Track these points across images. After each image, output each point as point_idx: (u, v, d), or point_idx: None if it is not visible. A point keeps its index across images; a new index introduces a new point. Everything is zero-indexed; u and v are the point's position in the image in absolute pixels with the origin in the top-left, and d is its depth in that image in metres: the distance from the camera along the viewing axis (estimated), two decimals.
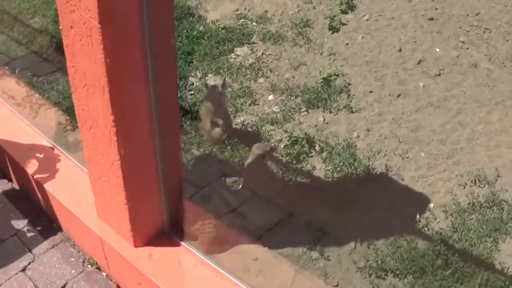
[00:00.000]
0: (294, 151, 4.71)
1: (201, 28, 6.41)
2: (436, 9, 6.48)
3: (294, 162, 4.69)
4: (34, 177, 4.08)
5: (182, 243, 3.49)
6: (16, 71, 5.71)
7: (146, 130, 3.00)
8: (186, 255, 3.45)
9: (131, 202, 3.20)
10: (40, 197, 4.16)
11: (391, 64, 5.71)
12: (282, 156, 4.75)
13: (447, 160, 4.68)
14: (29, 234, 4.14)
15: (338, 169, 4.58)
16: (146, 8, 2.56)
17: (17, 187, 4.51)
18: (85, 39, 2.64)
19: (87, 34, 2.60)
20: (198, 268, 3.38)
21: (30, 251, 4.01)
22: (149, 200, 3.33)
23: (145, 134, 3.02)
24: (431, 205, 4.32)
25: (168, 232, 3.56)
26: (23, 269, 3.88)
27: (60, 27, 2.78)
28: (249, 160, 4.60)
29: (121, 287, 3.77)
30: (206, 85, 4.77)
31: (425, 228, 4.15)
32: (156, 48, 2.73)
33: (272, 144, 4.87)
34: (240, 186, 4.54)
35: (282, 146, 4.81)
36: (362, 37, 6.12)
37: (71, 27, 2.69)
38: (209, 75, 5.72)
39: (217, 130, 4.80)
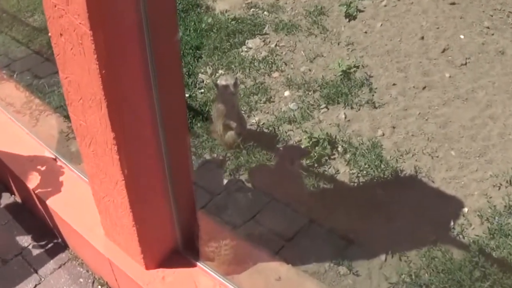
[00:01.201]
0: (315, 154, 4.40)
1: (209, 20, 6.10)
2: None
3: (316, 165, 4.37)
4: (36, 192, 3.88)
5: (197, 263, 3.25)
6: (15, 75, 5.47)
7: (151, 147, 2.73)
8: (203, 276, 3.20)
9: (139, 224, 2.97)
10: (43, 212, 3.91)
11: (413, 53, 5.37)
12: (302, 159, 4.43)
13: (479, 158, 4.36)
14: (34, 253, 3.94)
15: (364, 172, 4.27)
16: (144, 11, 2.24)
17: (19, 201, 4.30)
18: (76, 47, 2.35)
19: (78, 42, 2.30)
20: None
21: (36, 272, 3.81)
22: (159, 220, 3.08)
23: (151, 151, 2.75)
24: (465, 209, 4.01)
25: (182, 251, 3.33)
26: None
27: (49, 33, 2.48)
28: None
29: None
30: (216, 85, 4.45)
31: (460, 236, 3.85)
32: (158, 55, 2.43)
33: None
34: None
35: (302, 148, 4.49)
36: (381, 25, 5.79)
37: (61, 34, 2.41)
38: (220, 71, 5.42)
39: (231, 134, 4.50)
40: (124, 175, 2.69)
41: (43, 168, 3.99)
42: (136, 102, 2.52)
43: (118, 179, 2.74)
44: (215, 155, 4.58)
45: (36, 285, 3.71)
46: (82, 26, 2.21)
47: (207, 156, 4.57)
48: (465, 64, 5.20)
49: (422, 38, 5.53)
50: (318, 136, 4.47)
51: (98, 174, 2.92)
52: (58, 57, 2.54)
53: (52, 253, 3.92)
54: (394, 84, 5.05)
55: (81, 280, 3.73)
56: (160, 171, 2.84)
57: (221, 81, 4.41)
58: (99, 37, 2.21)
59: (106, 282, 3.68)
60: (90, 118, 2.60)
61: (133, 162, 2.69)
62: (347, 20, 5.94)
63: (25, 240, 4.00)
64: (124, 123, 2.53)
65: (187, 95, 5.17)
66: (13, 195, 4.36)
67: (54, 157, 4.07)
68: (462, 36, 5.51)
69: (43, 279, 3.75)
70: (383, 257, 3.73)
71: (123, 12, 2.23)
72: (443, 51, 5.34)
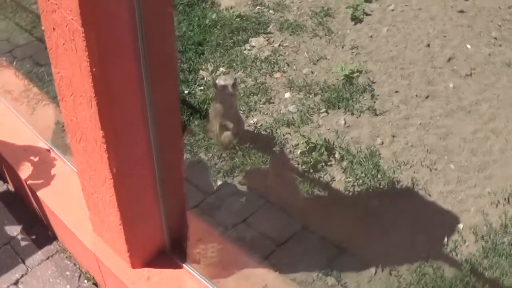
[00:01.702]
0: (312, 159, 4.34)
1: (213, 16, 6.05)
2: (466, 0, 6.07)
3: (311, 171, 4.32)
4: (28, 182, 3.84)
5: (184, 265, 3.21)
6: (15, 62, 5.41)
7: (141, 147, 2.68)
8: (188, 279, 3.15)
9: (126, 223, 2.93)
10: (34, 203, 3.88)
11: (418, 61, 5.30)
12: (298, 164, 4.37)
13: (479, 173, 4.29)
14: (23, 243, 3.92)
15: (360, 181, 4.21)
16: (138, 10, 2.19)
17: (12, 190, 4.27)
18: (68, 43, 2.30)
19: (70, 38, 2.26)
20: None
21: (23, 262, 3.79)
22: (147, 220, 3.05)
23: (141, 151, 2.70)
24: (460, 225, 3.94)
25: (169, 252, 3.28)
26: (15, 283, 3.67)
27: (43, 27, 2.44)
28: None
29: None
30: (215, 84, 4.39)
31: (453, 253, 3.79)
32: (152, 56, 2.38)
33: (288, 150, 4.50)
34: None
35: (299, 153, 4.43)
36: (387, 30, 5.72)
37: (54, 29, 2.37)
38: (221, 69, 5.36)
39: (227, 134, 4.45)
40: (113, 173, 2.65)
41: (36, 159, 3.96)
42: (127, 101, 2.47)
43: (107, 177, 2.70)
44: (211, 154, 4.52)
45: (22, 275, 3.69)
46: (74, 22, 2.16)
47: (202, 155, 4.52)
48: (470, 74, 5.14)
49: (428, 45, 5.47)
50: (316, 141, 4.41)
51: (87, 170, 2.88)
52: (51, 51, 2.50)
53: (40, 244, 3.89)
54: (396, 92, 4.98)
55: (68, 273, 3.71)
56: (150, 171, 2.80)
57: (220, 81, 4.35)
58: (90, 34, 2.16)
59: (93, 277, 3.65)
60: (81, 114, 2.56)
61: (122, 161, 2.65)
62: (353, 23, 5.88)
63: (14, 230, 3.98)
64: (114, 122, 2.49)
65: (186, 91, 5.12)
66: (6, 183, 4.33)
67: (48, 148, 4.03)
68: (468, 46, 5.45)
69: (30, 269, 3.73)
70: (373, 270, 3.67)
71: (116, 10, 2.18)
72: (449, 60, 5.28)
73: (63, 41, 2.33)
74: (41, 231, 3.97)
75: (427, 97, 4.92)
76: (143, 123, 2.58)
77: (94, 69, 2.25)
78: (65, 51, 2.37)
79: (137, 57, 2.34)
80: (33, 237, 3.94)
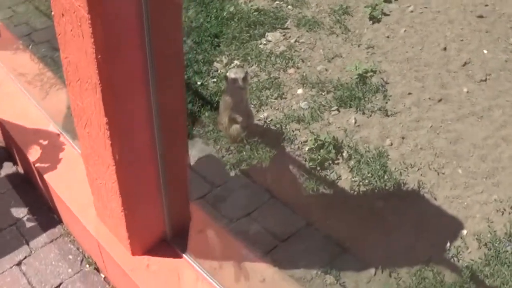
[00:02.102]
0: (319, 157, 4.33)
1: (231, 9, 6.03)
2: (486, 5, 6.00)
3: (318, 168, 4.31)
4: (36, 165, 3.87)
5: (184, 255, 3.22)
6: (30, 46, 5.44)
7: (145, 135, 2.70)
8: (187, 269, 3.17)
9: (127, 210, 2.95)
10: (41, 186, 3.91)
11: (433, 64, 5.27)
12: (305, 160, 4.36)
13: (486, 180, 4.24)
14: (28, 225, 3.95)
15: (366, 181, 4.19)
16: (145, 3, 2.20)
17: (21, 171, 4.31)
18: (75, 29, 2.32)
19: (78, 24, 2.28)
20: (198, 286, 3.12)
21: (27, 243, 3.82)
22: (148, 208, 3.06)
23: (144, 139, 2.72)
24: (464, 231, 3.91)
25: (170, 241, 3.29)
26: (18, 263, 3.70)
27: (52, 13, 2.45)
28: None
29: None
30: (226, 77, 4.40)
31: (455, 259, 3.75)
32: (158, 44, 2.39)
33: (297, 146, 4.49)
34: None
35: (307, 149, 4.42)
36: (405, 31, 5.69)
37: (62, 14, 2.39)
38: (235, 62, 5.36)
39: (236, 127, 4.44)
40: (115, 160, 2.67)
41: (45, 142, 3.99)
42: (131, 89, 2.48)
43: (110, 163, 2.71)
44: (219, 146, 4.52)
45: (26, 257, 3.72)
46: (81, 9, 2.18)
47: (211, 147, 4.51)
48: (485, 80, 5.09)
49: (445, 49, 5.43)
50: (324, 139, 4.40)
51: (92, 155, 2.91)
52: (60, 37, 2.52)
53: (45, 227, 3.92)
54: (409, 93, 4.95)
55: (70, 257, 3.73)
56: (152, 159, 2.81)
57: (231, 74, 4.35)
58: (96, 21, 2.17)
59: (95, 262, 3.67)
60: (86, 100, 2.58)
61: (125, 148, 2.66)
62: (371, 22, 5.85)
63: (21, 211, 4.01)
64: (118, 109, 2.50)
65: (199, 82, 5.12)
66: (15, 165, 4.36)
67: (58, 132, 4.06)
68: (485, 51, 5.40)
69: (33, 251, 3.75)
70: (372, 271, 3.66)
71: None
72: (464, 64, 5.24)
73: (71, 27, 2.34)
74: (46, 214, 3.99)
75: (439, 100, 4.89)
76: (147, 111, 2.59)
77: (99, 56, 2.27)
78: (72, 37, 2.38)
79: (142, 45, 2.35)
80: (39, 219, 3.96)
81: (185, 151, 3.00)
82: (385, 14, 5.92)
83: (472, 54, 5.36)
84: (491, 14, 5.88)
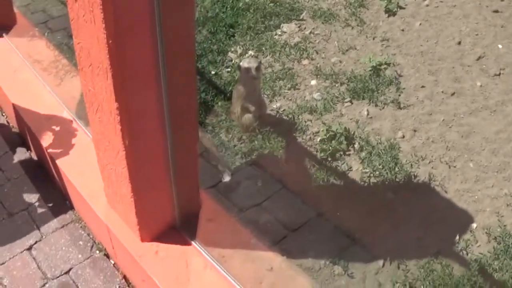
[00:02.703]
0: (331, 148, 4.33)
1: None
2: (502, 0, 5.95)
3: (329, 159, 4.30)
4: (48, 151, 3.89)
5: (193, 242, 3.24)
6: (46, 33, 5.47)
7: (155, 121, 2.71)
8: (195, 256, 3.18)
9: (137, 195, 2.97)
10: (54, 171, 3.93)
11: (448, 58, 5.24)
12: (317, 151, 4.36)
13: (497, 174, 4.22)
14: (39, 210, 3.97)
15: (377, 173, 4.18)
16: None
17: (34, 157, 4.33)
18: (87, 14, 2.34)
19: (90, 9, 2.29)
20: (206, 273, 3.12)
21: (38, 228, 3.85)
22: (157, 194, 3.07)
23: (154, 125, 2.73)
24: (474, 225, 3.89)
25: (179, 228, 3.30)
26: (29, 248, 3.73)
27: None
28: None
29: (127, 278, 3.54)
30: (239, 66, 4.40)
31: (464, 252, 3.74)
32: (169, 31, 2.40)
33: (308, 137, 4.49)
34: None
35: (318, 140, 4.42)
36: (420, 24, 5.67)
37: (75, 0, 2.37)
38: (250, 52, 5.36)
39: (248, 117, 4.45)
40: (125, 145, 2.69)
41: (58, 128, 4.03)
42: (142, 74, 2.50)
43: (120, 148, 2.73)
44: (231, 135, 4.53)
45: (36, 242, 3.75)
46: None
47: (223, 136, 4.52)
48: (499, 74, 5.06)
49: (459, 43, 5.40)
50: (336, 130, 4.39)
51: (102, 141, 2.92)
52: (72, 22, 2.54)
53: (56, 213, 3.94)
54: (422, 87, 4.94)
55: (81, 243, 3.75)
56: (162, 146, 2.83)
57: (244, 63, 4.35)
58: (108, 7, 2.18)
59: (105, 248, 3.69)
60: (98, 85, 2.60)
61: (135, 134, 2.68)
62: (387, 15, 5.83)
63: (33, 197, 4.03)
64: (128, 94, 2.52)
65: (213, 72, 5.13)
66: (29, 151, 4.39)
67: (71, 119, 4.09)
68: (500, 46, 5.37)
69: (44, 236, 3.78)
70: (381, 262, 3.65)
71: None
72: (478, 58, 5.21)
73: (83, 12, 2.36)
74: (58, 199, 4.02)
75: (453, 94, 4.87)
76: (157, 98, 2.61)
77: (110, 41, 2.28)
78: (84, 23, 2.40)
79: (153, 31, 2.37)
80: (50, 205, 3.99)
81: (196, 138, 3.00)
82: (401, 8, 5.90)
83: (487, 49, 5.33)
84: (507, 9, 5.84)
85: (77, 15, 2.45)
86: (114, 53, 2.33)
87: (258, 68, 4.33)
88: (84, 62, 2.63)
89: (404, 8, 5.89)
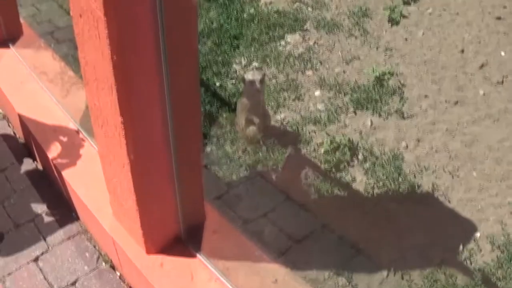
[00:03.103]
0: (334, 159, 4.35)
1: (252, 10, 6.06)
2: (504, 7, 5.97)
3: (333, 170, 4.32)
4: (54, 162, 3.91)
5: (197, 254, 3.24)
6: (52, 45, 5.50)
7: (159, 135, 2.73)
8: (201, 269, 3.19)
9: (142, 208, 2.98)
10: (60, 182, 3.96)
11: (451, 66, 5.26)
12: (321, 162, 4.37)
13: (501, 182, 4.24)
14: (46, 221, 3.98)
15: (380, 183, 4.20)
16: (160, 5, 2.24)
17: (41, 168, 4.35)
18: (92, 30, 2.36)
19: (94, 25, 2.31)
20: (211, 285, 3.12)
21: (44, 239, 3.86)
22: (162, 207, 3.09)
23: (158, 139, 2.75)
24: (477, 234, 3.91)
25: (184, 240, 3.31)
26: (35, 259, 3.73)
27: (71, 13, 2.50)
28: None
29: None
30: (243, 79, 4.43)
31: (467, 261, 3.76)
32: (173, 46, 2.42)
33: (312, 148, 4.51)
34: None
35: (322, 151, 4.44)
36: (423, 33, 5.69)
37: (80, 15, 2.42)
38: (254, 63, 5.38)
39: (252, 129, 4.47)
40: (130, 159, 2.70)
41: (65, 139, 4.04)
42: (146, 90, 2.52)
43: (125, 162, 2.75)
44: (235, 147, 4.55)
45: (42, 253, 3.75)
46: (97, 11, 2.22)
47: (228, 148, 4.55)
48: (502, 82, 5.08)
49: (462, 51, 5.42)
50: (340, 141, 4.41)
51: (108, 155, 2.94)
52: (78, 37, 2.56)
53: (63, 224, 3.95)
54: (426, 96, 4.96)
55: (87, 254, 3.76)
56: (167, 159, 2.84)
57: (248, 76, 4.38)
58: (112, 23, 2.21)
59: (111, 259, 3.70)
60: (103, 100, 2.62)
61: (139, 148, 2.70)
62: (390, 24, 5.85)
63: (39, 207, 4.04)
64: (133, 109, 2.54)
65: (217, 84, 5.15)
66: (35, 162, 4.40)
67: (77, 130, 4.11)
68: (503, 53, 5.38)
69: (50, 248, 3.79)
70: (385, 272, 3.66)
71: (138, 2, 2.23)
72: (481, 66, 5.23)
73: (88, 27, 2.38)
74: (64, 211, 4.03)
75: (456, 103, 4.89)
76: (161, 112, 2.63)
77: (114, 57, 2.31)
78: (90, 38, 2.42)
79: (157, 47, 2.39)
80: (57, 216, 4.00)
81: (200, 151, 3.03)
82: (404, 17, 5.92)
83: (489, 56, 5.35)
84: (509, 16, 5.85)
85: (82, 30, 2.47)
86: (119, 68, 2.35)
87: (262, 81, 4.35)
88: (89, 76, 2.65)
89: (407, 17, 5.91)
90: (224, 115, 4.82)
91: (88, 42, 2.46)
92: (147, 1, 2.24)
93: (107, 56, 2.34)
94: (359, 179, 4.27)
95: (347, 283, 3.60)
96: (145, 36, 2.34)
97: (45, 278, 3.61)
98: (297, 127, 4.71)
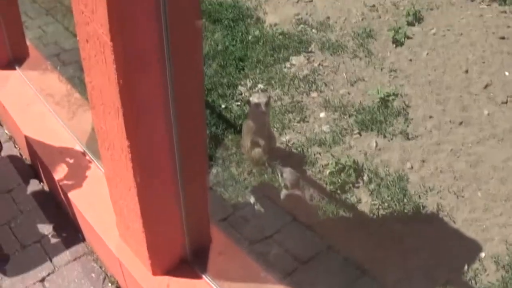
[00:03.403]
0: (340, 180, 4.37)
1: (256, 32, 6.10)
2: (508, 27, 5.99)
3: (339, 191, 4.34)
4: (61, 183, 3.93)
5: (203, 276, 3.24)
6: (59, 67, 5.54)
7: (165, 158, 2.75)
8: None
9: (148, 230, 3.00)
10: (66, 204, 3.98)
11: (455, 87, 5.29)
12: (326, 184, 4.39)
13: (506, 202, 4.25)
14: (52, 242, 3.99)
15: (386, 204, 4.22)
16: (165, 25, 2.27)
17: (47, 189, 4.35)
18: (99, 55, 2.39)
19: (101, 50, 2.35)
20: None
21: (51, 260, 3.87)
22: (169, 229, 3.11)
23: (165, 162, 2.77)
24: (482, 254, 3.92)
25: (190, 262, 3.32)
26: (42, 280, 3.74)
27: (77, 38, 2.53)
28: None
29: None
30: (248, 101, 4.46)
31: (472, 281, 3.76)
32: (178, 70, 2.45)
33: (318, 169, 4.53)
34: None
35: (328, 173, 4.46)
36: (427, 54, 5.72)
37: (87, 41, 2.46)
38: (259, 85, 5.42)
39: (258, 151, 4.50)
40: (137, 182, 2.72)
41: (71, 161, 4.06)
42: (152, 113, 2.54)
43: (131, 185, 2.77)
44: (241, 169, 4.57)
45: (49, 274, 3.76)
46: (103, 36, 2.25)
47: (234, 170, 4.56)
48: (506, 102, 5.10)
49: (466, 71, 5.44)
50: (345, 162, 4.43)
51: (114, 177, 2.97)
52: (84, 61, 2.60)
53: (69, 245, 3.96)
54: (430, 117, 4.98)
55: (93, 275, 3.77)
56: (173, 182, 2.86)
57: (254, 99, 4.43)
58: (118, 48, 2.24)
59: (117, 280, 3.71)
60: (109, 123, 2.64)
61: (146, 171, 2.72)
62: (394, 45, 5.88)
63: (46, 229, 4.06)
64: (139, 132, 2.56)
65: (223, 106, 5.18)
66: (41, 183, 4.42)
67: (83, 152, 4.13)
68: (507, 73, 5.40)
69: (57, 269, 3.80)
70: None
71: (144, 26, 2.26)
72: (486, 86, 5.25)
73: (95, 52, 2.42)
74: (71, 232, 4.04)
75: (460, 123, 4.91)
76: (167, 135, 2.65)
77: (121, 81, 2.34)
78: (96, 62, 2.45)
79: (163, 72, 2.42)
80: (63, 237, 4.01)
81: (205, 173, 3.05)
82: (408, 37, 5.95)
83: (494, 76, 5.37)
84: None
85: (88, 55, 2.51)
86: (125, 93, 2.38)
87: (267, 103, 4.39)
88: (96, 100, 2.68)
89: (411, 38, 5.94)
90: (230, 137, 4.85)
91: (95, 66, 2.50)
92: (152, 27, 2.27)
93: (113, 81, 2.36)
94: (364, 200, 4.29)
95: None
96: (150, 60, 2.37)
97: None
98: (302, 149, 4.74)
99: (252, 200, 4.33)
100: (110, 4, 2.13)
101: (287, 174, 4.27)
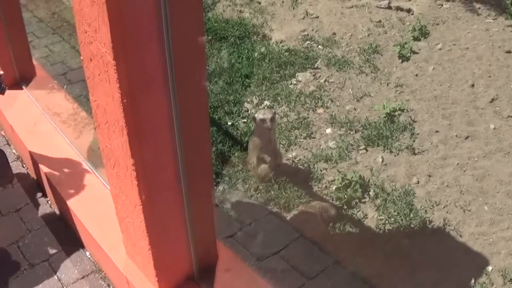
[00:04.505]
0: (346, 196, 4.37)
1: (262, 49, 6.14)
2: None
3: (345, 207, 4.34)
4: (68, 201, 3.93)
5: None
6: (65, 86, 5.58)
7: (170, 175, 2.75)
8: None
9: (155, 248, 2.98)
10: (74, 223, 3.98)
11: (461, 101, 5.30)
12: (333, 199, 4.39)
13: None
14: (61, 261, 3.98)
15: (392, 219, 4.22)
16: (168, 43, 2.28)
17: (54, 208, 4.37)
18: (103, 74, 2.41)
19: (104, 69, 2.36)
20: None
21: (59, 279, 3.85)
22: (175, 246, 3.09)
23: (170, 179, 2.77)
24: (489, 268, 3.92)
25: (197, 279, 3.30)
26: None
27: (81, 57, 2.55)
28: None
29: None
30: (254, 118, 4.48)
31: None
32: (182, 88, 2.46)
33: (324, 185, 4.53)
34: None
35: (334, 189, 4.46)
36: (433, 68, 5.73)
37: (91, 60, 2.47)
38: (266, 102, 5.44)
39: (264, 167, 4.52)
40: (142, 200, 2.73)
41: (78, 180, 4.06)
42: (157, 131, 2.55)
43: (137, 203, 2.77)
44: (247, 186, 4.57)
45: None
46: (107, 55, 2.27)
47: (240, 186, 4.57)
48: None
49: (472, 85, 5.45)
50: (351, 178, 4.44)
51: (120, 195, 2.97)
52: (88, 80, 2.61)
53: (77, 263, 3.96)
54: (436, 131, 4.98)
55: None
56: (178, 199, 2.86)
57: (259, 115, 4.44)
58: (121, 67, 2.25)
59: None
60: (114, 142, 2.65)
61: (151, 189, 2.72)
62: (400, 61, 5.90)
63: (53, 247, 4.06)
64: (144, 151, 2.57)
65: (229, 123, 5.20)
66: (49, 202, 4.43)
67: (90, 170, 4.14)
68: None
69: (65, 287, 3.79)
70: None
71: (148, 44, 2.27)
72: (492, 101, 5.26)
73: (99, 71, 2.43)
74: (78, 250, 4.04)
75: (466, 137, 4.91)
76: (172, 153, 2.66)
77: (125, 100, 2.35)
78: (100, 81, 2.47)
79: (167, 90, 2.43)
80: (71, 255, 4.01)
81: (211, 189, 3.05)
82: (414, 52, 5.97)
83: (500, 90, 5.37)
84: None
85: (92, 74, 2.52)
86: (129, 111, 2.39)
87: (272, 119, 4.41)
88: (100, 119, 2.70)
89: (417, 53, 5.96)
90: (236, 154, 4.86)
91: (99, 85, 2.51)
92: (155, 45, 2.29)
93: (117, 99, 2.38)
94: (371, 215, 4.29)
95: None
96: (154, 79, 2.38)
97: None
98: (309, 165, 4.75)
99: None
100: (112, 23, 2.15)
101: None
